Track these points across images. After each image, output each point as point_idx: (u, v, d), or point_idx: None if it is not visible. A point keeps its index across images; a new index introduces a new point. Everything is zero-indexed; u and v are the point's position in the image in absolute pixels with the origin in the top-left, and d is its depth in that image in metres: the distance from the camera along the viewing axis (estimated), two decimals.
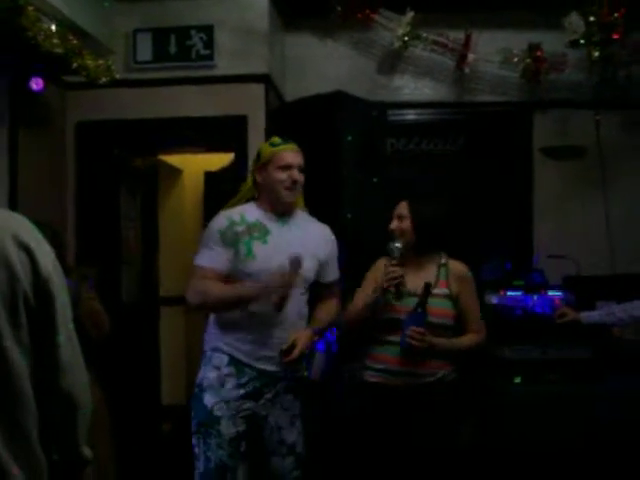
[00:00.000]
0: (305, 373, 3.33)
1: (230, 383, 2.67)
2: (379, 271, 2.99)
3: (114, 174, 4.56)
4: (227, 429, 2.64)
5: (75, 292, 2.93)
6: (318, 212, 3.95)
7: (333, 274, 2.96)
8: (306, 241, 2.78)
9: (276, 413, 2.74)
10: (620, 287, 4.24)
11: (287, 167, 2.75)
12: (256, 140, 4.18)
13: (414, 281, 2.89)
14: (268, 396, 2.73)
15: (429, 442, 2.88)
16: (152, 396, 5.15)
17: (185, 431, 2.82)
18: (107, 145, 4.46)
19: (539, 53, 4.52)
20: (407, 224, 2.94)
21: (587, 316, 3.62)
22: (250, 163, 2.96)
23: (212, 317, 2.83)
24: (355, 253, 4.00)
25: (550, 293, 4.01)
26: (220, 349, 2.72)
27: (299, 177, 2.78)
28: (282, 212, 2.80)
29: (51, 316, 1.48)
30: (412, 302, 2.83)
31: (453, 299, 2.94)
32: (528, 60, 4.55)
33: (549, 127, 4.83)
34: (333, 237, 2.98)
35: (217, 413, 2.65)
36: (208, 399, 2.67)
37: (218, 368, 2.70)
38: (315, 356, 3.12)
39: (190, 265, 2.75)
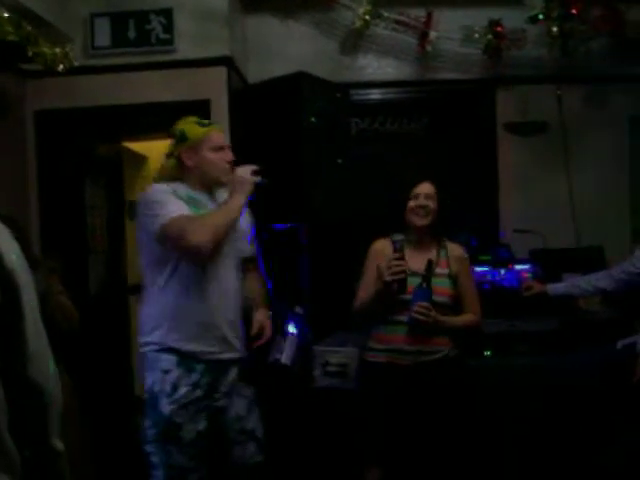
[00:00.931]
0: (277, 357, 3.33)
1: (184, 387, 2.56)
2: (379, 255, 3.03)
3: (77, 163, 4.49)
4: (188, 433, 2.55)
5: (44, 286, 2.89)
6: (282, 194, 3.96)
7: (254, 247, 2.93)
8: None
9: (234, 403, 2.70)
10: (585, 259, 4.31)
11: (222, 148, 2.72)
12: (220, 124, 4.14)
13: (417, 261, 2.95)
14: (223, 388, 2.67)
15: (440, 418, 2.94)
16: (124, 387, 5.11)
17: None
18: (68, 134, 4.39)
19: (499, 29, 4.54)
20: (434, 204, 2.98)
21: (553, 288, 3.68)
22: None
23: (147, 310, 2.67)
24: (320, 234, 4.01)
25: (517, 267, 4.05)
26: (165, 348, 2.59)
27: (232, 157, 2.75)
28: (210, 191, 2.76)
29: (17, 307, 1.45)
30: (415, 281, 2.88)
31: (453, 279, 3.02)
32: (489, 37, 4.57)
33: (512, 103, 4.85)
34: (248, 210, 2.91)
35: (177, 420, 2.53)
36: (164, 406, 2.54)
37: (167, 372, 2.57)
38: (287, 340, 3.13)
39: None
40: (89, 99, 4.24)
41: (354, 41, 4.84)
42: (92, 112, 4.31)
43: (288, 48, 4.78)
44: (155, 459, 2.58)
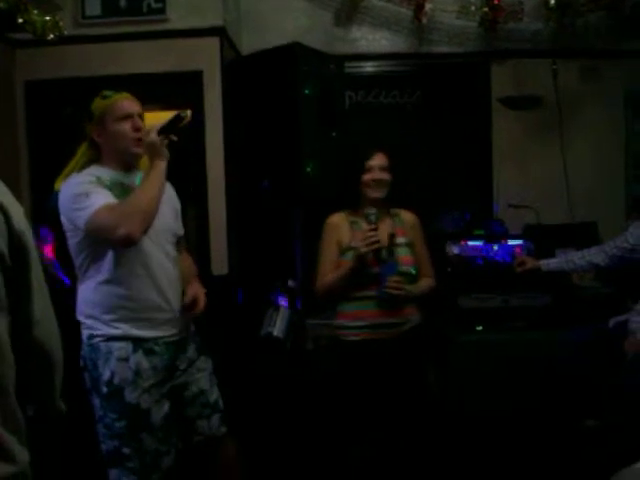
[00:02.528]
0: (270, 330, 3.33)
1: (145, 372, 2.48)
2: (336, 230, 3.02)
3: (68, 134, 4.44)
4: (156, 417, 2.48)
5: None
6: (277, 167, 3.93)
7: (181, 226, 2.81)
8: (164, 195, 2.56)
9: (195, 378, 2.65)
10: (579, 235, 4.31)
11: (127, 116, 2.52)
12: (212, 95, 4.11)
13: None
14: (182, 366, 2.62)
15: (411, 389, 2.97)
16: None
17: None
18: (59, 104, 4.32)
19: (496, 2, 4.48)
20: (388, 175, 2.97)
21: (546, 264, 3.67)
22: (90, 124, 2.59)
23: (93, 299, 2.52)
24: (314, 207, 3.99)
25: (510, 242, 4.04)
26: (116, 336, 2.49)
27: (142, 124, 2.53)
28: (129, 168, 2.57)
29: (26, 270, 1.46)
30: (378, 255, 2.87)
31: (411, 246, 3.02)
32: (485, 9, 4.51)
33: (507, 77, 4.82)
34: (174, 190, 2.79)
35: (144, 406, 2.46)
36: (129, 395, 2.45)
37: (125, 359, 2.47)
38: (279, 312, 3.11)
39: None
40: (79, 69, 4.17)
41: (349, 13, 4.79)
42: (83, 82, 4.23)
43: (282, 19, 4.72)
44: (126, 450, 2.49)
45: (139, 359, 2.48)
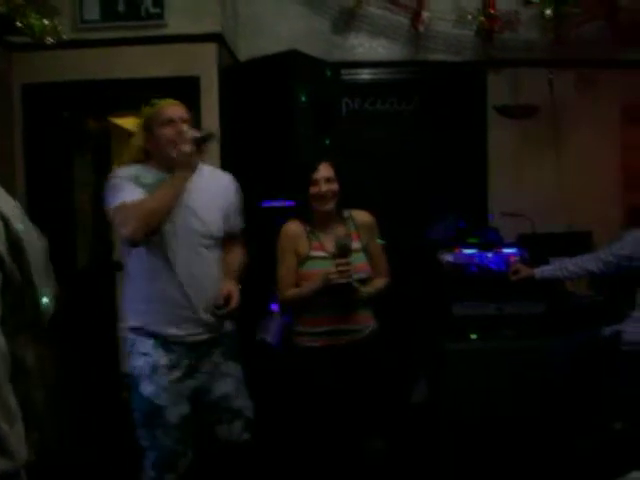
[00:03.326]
0: (263, 336, 3.32)
1: (163, 368, 2.55)
2: (295, 239, 3.01)
3: (65, 138, 4.45)
4: (172, 416, 2.54)
5: None
6: (271, 173, 3.94)
7: (239, 223, 2.87)
8: (207, 194, 2.68)
9: (219, 382, 2.69)
10: (574, 244, 4.31)
11: (169, 121, 2.62)
12: (209, 101, 4.11)
13: (331, 241, 2.92)
14: (205, 369, 2.66)
15: (379, 394, 2.98)
16: (110, 364, 5.10)
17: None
18: (56, 108, 4.33)
19: (492, 11, 4.51)
20: (336, 186, 2.98)
21: (541, 271, 3.69)
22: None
23: (127, 292, 2.67)
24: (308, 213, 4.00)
25: (505, 250, 4.05)
26: (142, 332, 2.59)
27: (185, 128, 2.61)
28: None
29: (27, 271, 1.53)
30: (332, 264, 2.87)
31: (365, 250, 3.04)
32: (482, 18, 4.54)
33: (503, 86, 4.84)
34: (235, 185, 2.87)
35: (158, 402, 2.53)
36: (145, 389, 2.54)
37: (146, 354, 2.56)
38: (272, 320, 3.12)
39: None
40: (77, 73, 4.17)
41: (346, 20, 4.81)
42: (80, 86, 4.24)
43: (279, 26, 4.74)
44: (144, 443, 2.59)
45: (158, 355, 2.56)
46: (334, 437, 2.93)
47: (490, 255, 4.02)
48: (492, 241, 4.18)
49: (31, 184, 4.28)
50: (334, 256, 2.85)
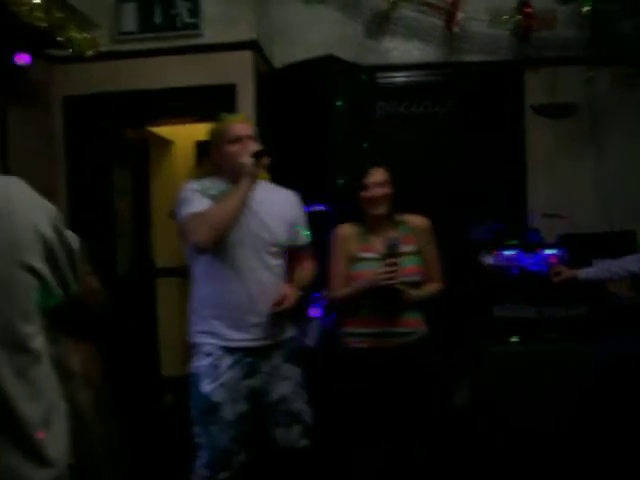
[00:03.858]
0: (302, 339, 3.35)
1: (224, 365, 2.65)
2: (347, 241, 3.04)
3: (104, 147, 4.52)
4: (228, 413, 2.62)
5: None
6: (309, 178, 3.95)
7: (304, 238, 2.96)
8: (273, 206, 2.79)
9: (278, 385, 2.75)
10: (616, 244, 4.25)
11: (237, 139, 2.74)
12: (246, 108, 4.15)
13: (381, 243, 2.94)
14: (265, 370, 2.73)
15: (424, 399, 2.97)
16: (152, 368, 5.17)
17: (186, 402, 2.82)
18: (95, 118, 4.41)
19: (528, 10, 4.47)
20: (387, 190, 2.99)
21: (584, 272, 3.63)
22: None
23: (195, 297, 2.79)
24: (345, 218, 4.00)
25: (545, 252, 4.01)
26: (208, 334, 2.70)
27: (251, 146, 2.73)
28: None
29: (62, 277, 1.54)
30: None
31: (419, 253, 3.04)
32: (518, 17, 4.50)
33: (540, 85, 4.78)
34: (299, 201, 2.98)
35: (216, 399, 2.62)
36: (205, 386, 2.64)
37: (209, 354, 2.67)
38: (312, 322, 3.15)
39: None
40: (116, 84, 4.25)
41: (380, 23, 4.80)
42: (118, 97, 4.32)
43: (313, 31, 4.75)
44: (200, 440, 2.67)
45: (221, 356, 2.66)
46: (379, 440, 2.94)
47: (531, 257, 3.98)
48: (532, 242, 4.14)
49: (72, 192, 4.36)
50: (384, 257, 2.87)
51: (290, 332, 2.85)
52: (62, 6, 3.61)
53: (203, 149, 5.48)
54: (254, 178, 2.64)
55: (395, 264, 2.83)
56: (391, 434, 2.94)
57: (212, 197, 2.66)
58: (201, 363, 2.68)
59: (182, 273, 5.74)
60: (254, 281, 2.70)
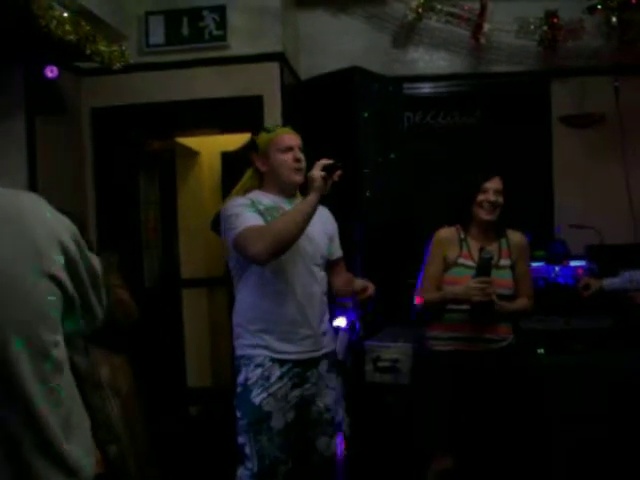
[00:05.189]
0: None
1: (274, 376, 2.69)
2: (446, 245, 3.10)
3: (132, 158, 4.56)
4: (277, 422, 2.66)
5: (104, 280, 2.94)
6: (336, 190, 3.95)
7: (340, 250, 3.03)
8: (315, 220, 2.77)
9: (323, 394, 2.80)
10: None
11: (288, 149, 2.78)
12: (272, 120, 4.16)
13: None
14: (313, 379, 2.78)
15: (507, 406, 3.02)
16: (178, 379, 5.19)
17: (213, 414, 2.85)
18: (123, 130, 4.45)
19: (555, 20, 4.45)
20: (502, 199, 3.02)
21: (610, 283, 3.59)
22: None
23: (242, 311, 2.80)
24: (373, 229, 4.01)
25: (572, 263, 3.98)
26: (259, 346, 2.73)
27: (302, 156, 2.80)
28: (290, 194, 2.84)
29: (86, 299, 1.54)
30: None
31: (512, 268, 3.09)
32: (545, 28, 4.48)
33: (567, 95, 4.75)
34: (332, 215, 3.04)
35: (267, 408, 2.65)
36: (255, 396, 2.67)
37: (260, 365, 2.70)
38: (338, 335, 3.16)
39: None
40: (143, 96, 4.30)
41: (406, 34, 4.80)
42: (146, 108, 4.36)
43: (339, 43, 4.75)
44: (247, 450, 2.69)
45: (272, 368, 2.70)
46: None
47: (557, 268, 3.95)
48: (559, 254, 4.11)
49: (100, 203, 4.40)
50: (477, 269, 2.93)
51: (332, 344, 2.90)
52: (90, 19, 3.66)
53: (230, 160, 5.53)
54: (323, 193, 2.62)
55: (488, 282, 2.88)
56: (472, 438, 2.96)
57: (262, 212, 2.69)
58: (251, 374, 2.70)
59: (207, 284, 5.82)
60: (305, 295, 2.75)
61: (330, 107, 4.05)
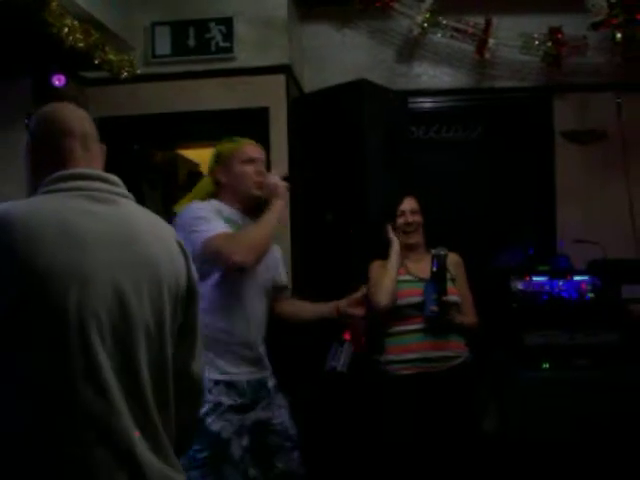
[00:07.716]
0: (334, 364, 3.33)
1: (226, 402, 2.56)
2: (383, 266, 3.18)
3: (135, 169, 4.55)
4: (236, 449, 2.55)
5: None
6: (341, 202, 3.96)
7: (286, 278, 3.02)
8: None
9: (277, 413, 2.72)
10: None
11: (250, 160, 2.73)
12: (278, 132, 4.17)
13: (418, 268, 2.97)
14: (264, 403, 2.69)
15: (463, 424, 3.01)
16: None
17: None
18: (127, 141, 4.44)
19: (559, 36, 4.48)
20: (420, 218, 3.04)
21: None
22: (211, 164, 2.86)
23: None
24: (378, 242, 4.00)
25: (576, 278, 3.98)
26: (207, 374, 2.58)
27: (264, 170, 2.76)
28: (249, 210, 2.75)
29: (195, 310, 1.61)
30: (420, 286, 2.99)
31: (454, 281, 3.16)
32: (549, 44, 4.51)
33: (570, 111, 4.78)
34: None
35: (225, 435, 2.52)
36: (212, 424, 2.51)
37: (209, 391, 2.54)
38: (343, 347, 3.14)
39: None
40: (148, 106, 4.29)
41: (410, 49, 4.83)
42: (151, 119, 4.35)
43: (344, 57, 4.78)
44: None
45: (220, 392, 2.56)
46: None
47: (561, 283, 3.95)
48: (563, 268, 4.11)
49: None
50: (432, 270, 2.98)
51: (270, 366, 2.82)
52: (98, 28, 3.66)
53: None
54: (284, 199, 2.65)
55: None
56: (433, 459, 2.93)
57: (225, 220, 2.61)
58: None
59: None
60: (255, 316, 2.70)
61: (336, 120, 4.06)
